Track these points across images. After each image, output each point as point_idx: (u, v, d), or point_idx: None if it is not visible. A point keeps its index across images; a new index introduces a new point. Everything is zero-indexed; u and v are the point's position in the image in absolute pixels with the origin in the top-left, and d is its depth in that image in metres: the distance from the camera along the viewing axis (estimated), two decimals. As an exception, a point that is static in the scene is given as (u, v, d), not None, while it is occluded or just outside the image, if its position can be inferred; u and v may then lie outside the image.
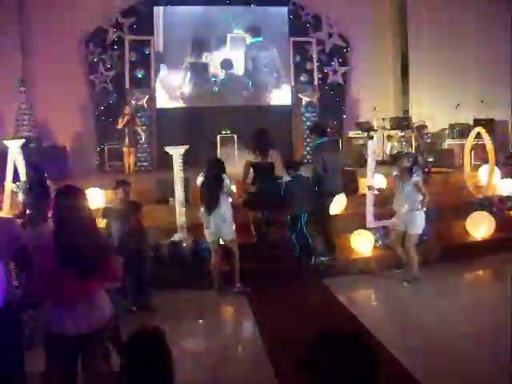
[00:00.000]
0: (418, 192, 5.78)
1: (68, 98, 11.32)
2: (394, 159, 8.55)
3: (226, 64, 11.83)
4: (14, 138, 8.49)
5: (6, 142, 7.15)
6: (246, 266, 5.94)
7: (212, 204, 5.56)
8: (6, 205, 7.04)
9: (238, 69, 11.91)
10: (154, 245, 6.19)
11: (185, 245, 6.27)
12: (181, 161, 6.58)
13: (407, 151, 9.40)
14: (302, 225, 6.15)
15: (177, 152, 6.55)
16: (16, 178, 7.17)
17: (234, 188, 6.06)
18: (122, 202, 5.61)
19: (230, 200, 5.71)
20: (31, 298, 3.02)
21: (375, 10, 12.06)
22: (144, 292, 5.31)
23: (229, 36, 11.84)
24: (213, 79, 11.86)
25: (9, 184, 7.06)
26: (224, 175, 5.60)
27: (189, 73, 11.79)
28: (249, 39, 11.92)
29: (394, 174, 6.12)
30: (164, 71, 11.80)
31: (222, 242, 5.83)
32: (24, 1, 11.13)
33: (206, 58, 11.83)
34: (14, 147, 7.02)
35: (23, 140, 7.34)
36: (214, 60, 11.85)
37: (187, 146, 6.64)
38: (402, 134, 10.64)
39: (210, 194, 5.60)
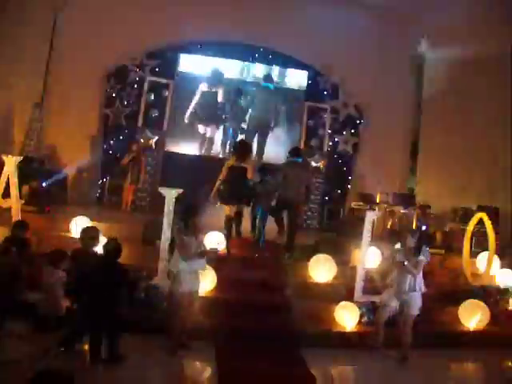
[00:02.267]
0: (419, 272, 5.67)
1: (80, 127, 11.47)
2: (398, 233, 8.41)
3: (236, 93, 11.86)
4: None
5: (3, 157, 7.13)
6: (221, 321, 5.68)
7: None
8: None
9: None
10: (130, 286, 5.96)
11: (160, 290, 6.01)
12: (172, 203, 6.45)
13: (411, 228, 9.24)
14: (258, 216, 7.81)
15: (169, 194, 6.43)
16: (7, 194, 7.10)
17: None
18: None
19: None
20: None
21: (393, 86, 12.14)
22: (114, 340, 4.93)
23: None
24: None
25: (-2, 199, 6.96)
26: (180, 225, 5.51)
27: (198, 97, 11.89)
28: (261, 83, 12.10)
29: (396, 248, 6.03)
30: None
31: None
32: (58, 26, 11.39)
33: (216, 88, 11.98)
34: (11, 163, 6.98)
35: (20, 158, 7.31)
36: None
37: (181, 190, 6.52)
38: (405, 211, 10.50)
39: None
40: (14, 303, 5.29)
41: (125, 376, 4.67)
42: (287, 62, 12.26)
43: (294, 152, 8.00)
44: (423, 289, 5.77)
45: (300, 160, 8.03)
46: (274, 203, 7.78)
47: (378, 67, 11.92)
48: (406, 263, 5.66)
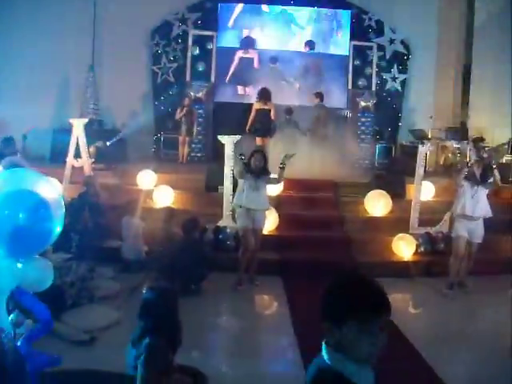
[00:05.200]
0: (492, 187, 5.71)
1: (131, 87, 11.79)
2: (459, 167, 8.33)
3: (273, 59, 11.91)
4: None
5: (71, 120, 7.66)
6: (286, 257, 6.11)
7: None
8: (67, 178, 7.51)
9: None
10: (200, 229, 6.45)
11: (229, 230, 6.48)
12: (232, 150, 6.79)
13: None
14: None
15: (229, 141, 6.78)
16: (78, 154, 7.67)
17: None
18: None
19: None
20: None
21: (439, 18, 11.83)
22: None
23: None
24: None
25: (70, 159, 7.53)
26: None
27: (236, 63, 12.02)
28: (307, 50, 12.06)
29: (462, 174, 5.75)
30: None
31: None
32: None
33: (251, 53, 12.06)
34: (78, 125, 7.50)
35: (86, 120, 7.82)
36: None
37: (240, 136, 6.85)
38: (458, 145, 10.42)
39: None
40: (101, 250, 5.92)
41: (205, 305, 5.20)
42: (330, 2, 12.01)
43: (318, 96, 10.09)
44: (490, 213, 5.75)
45: (322, 103, 10.07)
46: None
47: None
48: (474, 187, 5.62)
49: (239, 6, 12.08)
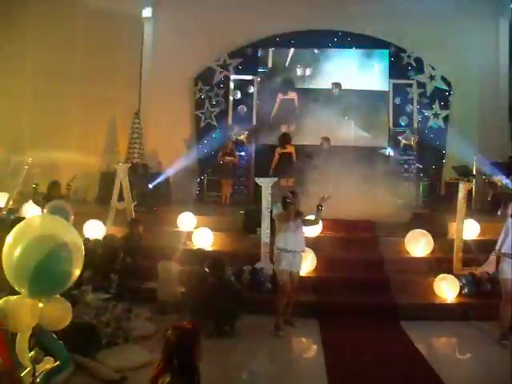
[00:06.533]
0: None
1: (175, 131, 12.34)
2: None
3: (313, 99, 11.98)
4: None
5: (116, 166, 8.02)
6: (324, 299, 6.00)
7: None
8: (110, 221, 7.79)
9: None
10: (236, 270, 6.51)
11: (266, 272, 6.47)
12: (269, 192, 6.87)
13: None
14: None
15: (265, 183, 6.86)
16: (121, 198, 7.97)
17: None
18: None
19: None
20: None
21: (480, 52, 11.72)
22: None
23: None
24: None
25: (114, 202, 7.83)
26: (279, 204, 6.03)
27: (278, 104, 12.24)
28: (336, 91, 12.17)
29: (509, 210, 5.53)
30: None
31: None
32: (146, 39, 12.47)
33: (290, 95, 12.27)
34: (122, 170, 7.82)
35: (129, 164, 8.16)
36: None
37: (275, 179, 6.93)
38: (506, 180, 10.05)
39: None
40: (139, 290, 6.05)
41: (237, 346, 5.18)
42: (367, 42, 12.15)
43: (326, 140, 10.42)
44: None
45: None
46: None
47: (461, 32, 11.52)
48: None
49: (277, 50, 12.44)
